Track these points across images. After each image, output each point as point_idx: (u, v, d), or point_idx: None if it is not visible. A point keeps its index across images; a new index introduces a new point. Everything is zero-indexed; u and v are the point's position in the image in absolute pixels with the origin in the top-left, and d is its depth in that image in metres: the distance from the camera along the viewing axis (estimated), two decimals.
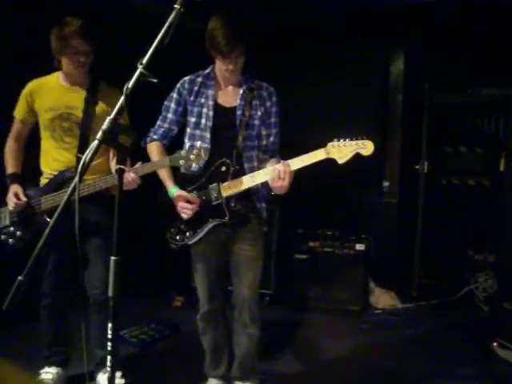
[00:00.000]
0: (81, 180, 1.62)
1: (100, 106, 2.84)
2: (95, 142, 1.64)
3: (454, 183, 5.34)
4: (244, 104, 2.69)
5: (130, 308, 3.88)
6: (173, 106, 2.74)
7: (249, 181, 2.59)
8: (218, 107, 2.69)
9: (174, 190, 2.64)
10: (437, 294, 4.89)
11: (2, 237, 2.83)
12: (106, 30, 3.23)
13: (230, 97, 2.72)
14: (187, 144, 2.71)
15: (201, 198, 2.63)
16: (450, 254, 5.00)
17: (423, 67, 5.19)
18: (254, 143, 2.74)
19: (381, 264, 4.93)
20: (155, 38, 1.66)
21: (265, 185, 2.65)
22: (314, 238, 4.78)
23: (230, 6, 2.57)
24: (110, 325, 1.67)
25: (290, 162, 2.53)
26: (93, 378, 3.00)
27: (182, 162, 2.46)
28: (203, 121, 2.68)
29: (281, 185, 2.50)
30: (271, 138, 2.80)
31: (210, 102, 2.68)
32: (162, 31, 1.67)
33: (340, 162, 2.49)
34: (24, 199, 2.79)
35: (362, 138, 2.48)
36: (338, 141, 2.49)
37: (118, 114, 1.65)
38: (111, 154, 2.91)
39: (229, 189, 2.60)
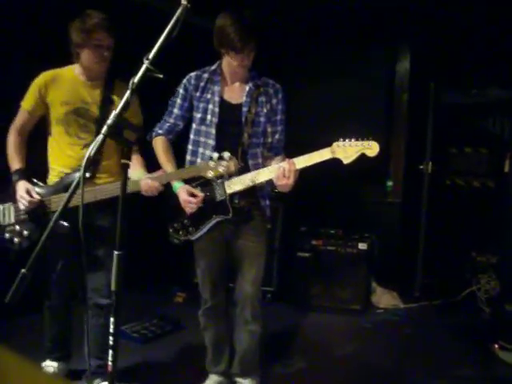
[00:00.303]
0: (85, 174, 1.63)
1: (117, 103, 2.77)
2: (100, 137, 1.64)
3: (458, 184, 5.33)
4: (250, 101, 2.69)
5: (132, 303, 3.90)
6: (179, 101, 2.75)
7: (253, 178, 2.59)
8: (223, 103, 2.69)
9: (178, 185, 2.65)
10: (439, 295, 4.88)
11: (7, 235, 2.69)
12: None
13: (237, 93, 2.72)
14: (212, 153, 2.56)
15: (205, 193, 2.63)
16: (453, 254, 4.98)
17: (429, 67, 5.17)
18: (260, 140, 2.74)
19: (383, 263, 4.92)
20: (161, 33, 1.66)
21: (269, 182, 2.65)
22: (316, 236, 4.77)
23: (237, 4, 2.56)
24: (112, 319, 1.68)
25: (295, 160, 2.53)
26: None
27: (210, 173, 2.42)
28: (209, 117, 2.68)
29: (286, 183, 2.51)
30: (277, 136, 2.80)
31: (216, 98, 2.68)
32: (169, 26, 1.67)
33: (345, 162, 2.49)
34: (37, 197, 2.64)
35: (368, 139, 2.49)
36: (344, 141, 2.50)
37: (123, 108, 1.66)
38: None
39: (233, 185, 2.60)
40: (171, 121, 2.78)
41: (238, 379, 2.94)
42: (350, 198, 5.31)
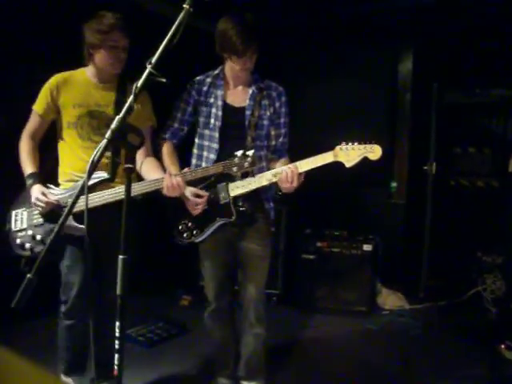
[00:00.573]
0: (89, 179, 1.64)
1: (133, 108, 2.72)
2: (104, 141, 1.65)
3: (462, 184, 5.31)
4: (253, 104, 2.70)
5: (137, 307, 3.91)
6: (182, 105, 2.76)
7: (257, 181, 2.59)
8: (226, 107, 2.70)
9: None
10: (445, 296, 4.87)
11: (18, 240, 2.58)
12: None
13: (240, 97, 2.73)
14: (237, 152, 2.50)
15: (209, 195, 2.64)
16: (459, 255, 4.97)
17: (432, 67, 5.16)
18: (263, 143, 2.74)
19: (388, 265, 4.91)
20: (163, 37, 1.67)
21: (273, 184, 2.66)
22: (321, 238, 4.77)
23: (239, 6, 2.57)
24: (117, 323, 1.69)
25: (298, 164, 2.54)
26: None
27: (235, 169, 2.45)
28: (212, 121, 2.69)
29: (289, 186, 2.53)
30: (280, 139, 2.81)
31: (219, 102, 2.69)
32: (171, 31, 1.67)
33: (347, 165, 2.51)
34: (54, 199, 2.54)
35: (371, 143, 2.50)
36: (347, 144, 2.51)
37: (126, 112, 1.67)
38: (138, 159, 2.60)
39: (237, 189, 2.60)
40: (175, 125, 2.79)
41: (244, 382, 2.93)
42: (354, 200, 5.31)
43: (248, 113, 2.69)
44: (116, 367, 1.68)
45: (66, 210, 1.66)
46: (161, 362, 3.45)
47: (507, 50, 4.72)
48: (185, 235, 2.70)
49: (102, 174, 2.53)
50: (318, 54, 5.46)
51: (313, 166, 2.53)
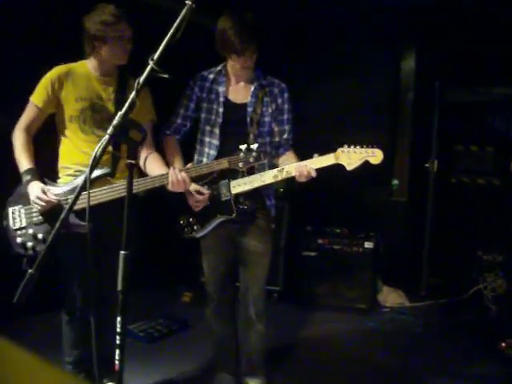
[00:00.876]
0: (91, 174, 1.64)
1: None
2: (105, 137, 1.65)
3: (464, 182, 5.30)
4: (255, 101, 2.70)
5: (139, 303, 3.91)
6: (185, 102, 2.77)
7: (259, 179, 2.60)
8: (228, 104, 2.70)
9: None
10: (445, 293, 4.86)
11: (18, 239, 2.49)
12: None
13: (242, 93, 2.73)
14: (240, 147, 2.52)
15: (211, 192, 2.64)
16: (459, 253, 4.97)
17: (434, 65, 5.15)
18: (266, 140, 2.75)
19: (389, 262, 4.91)
20: (166, 33, 1.67)
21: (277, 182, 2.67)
22: (322, 235, 4.78)
23: (240, 5, 2.56)
24: (119, 318, 1.69)
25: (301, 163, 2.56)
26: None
27: (241, 164, 2.46)
28: (213, 117, 2.69)
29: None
30: (285, 135, 2.82)
31: (221, 99, 2.69)
32: (174, 27, 1.67)
33: (348, 168, 2.53)
34: (54, 197, 2.46)
35: (372, 146, 2.51)
36: (348, 147, 2.52)
37: (129, 108, 1.67)
38: (142, 155, 2.62)
39: (238, 186, 2.61)
40: (178, 121, 2.79)
41: (246, 378, 2.94)
42: (356, 197, 5.30)
43: (250, 109, 2.69)
44: (117, 362, 1.68)
45: (68, 205, 1.66)
46: (162, 358, 3.46)
47: (510, 47, 4.71)
48: (186, 230, 2.71)
49: (102, 169, 2.50)
50: (321, 53, 5.44)
51: (314, 167, 2.54)
